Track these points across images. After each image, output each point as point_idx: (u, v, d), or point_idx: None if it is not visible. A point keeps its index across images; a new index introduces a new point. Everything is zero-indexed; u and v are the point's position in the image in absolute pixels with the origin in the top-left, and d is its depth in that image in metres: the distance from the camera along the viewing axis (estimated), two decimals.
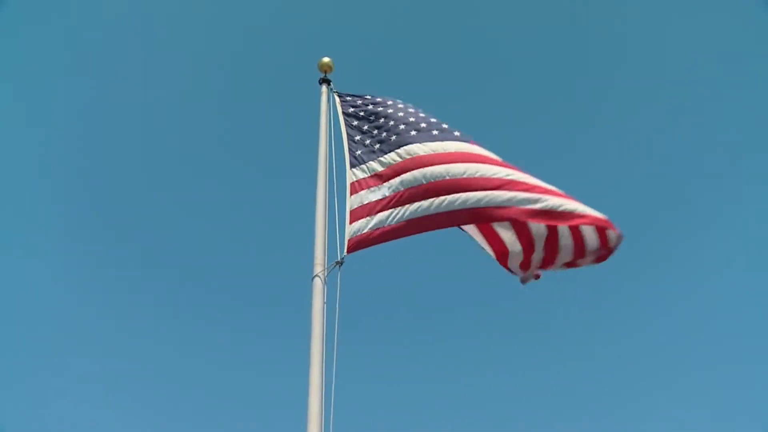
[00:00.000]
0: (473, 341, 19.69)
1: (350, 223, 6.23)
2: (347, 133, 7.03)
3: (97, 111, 20.58)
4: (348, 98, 7.47)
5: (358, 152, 6.85)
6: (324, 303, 5.82)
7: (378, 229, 6.19)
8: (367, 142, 6.91)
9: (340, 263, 5.98)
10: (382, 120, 7.03)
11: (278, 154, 22.09)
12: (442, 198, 6.12)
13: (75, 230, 19.74)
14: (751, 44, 19.26)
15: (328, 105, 7.37)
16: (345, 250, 6.03)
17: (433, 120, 6.89)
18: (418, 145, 6.55)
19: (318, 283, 5.89)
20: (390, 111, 7.09)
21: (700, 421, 16.73)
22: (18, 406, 15.55)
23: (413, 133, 6.70)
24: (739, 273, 19.40)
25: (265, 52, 22.57)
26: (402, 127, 6.81)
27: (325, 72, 7.63)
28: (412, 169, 6.38)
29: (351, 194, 6.46)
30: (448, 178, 6.19)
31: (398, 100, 7.23)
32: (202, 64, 22.43)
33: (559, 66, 23.11)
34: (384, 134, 6.86)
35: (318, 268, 6.00)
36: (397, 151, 6.61)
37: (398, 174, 6.44)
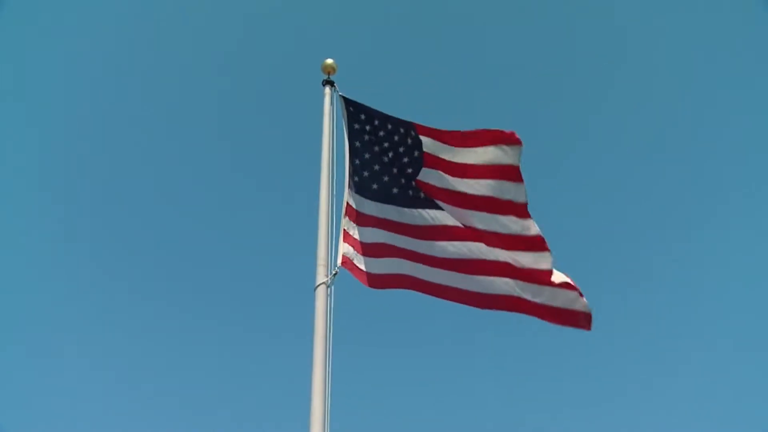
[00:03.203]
0: (474, 343, 19.70)
1: (343, 241, 6.57)
2: (350, 151, 7.09)
3: (97, 114, 20.55)
4: (352, 109, 7.37)
5: (356, 179, 7.00)
6: (327, 307, 5.83)
7: (367, 273, 6.68)
8: (365, 175, 7.09)
9: (336, 274, 6.13)
10: (377, 165, 7.19)
11: (282, 157, 22.06)
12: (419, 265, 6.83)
13: (77, 232, 19.73)
14: (751, 44, 19.26)
15: (331, 107, 7.30)
16: (339, 262, 6.34)
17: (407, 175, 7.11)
18: (395, 207, 7.02)
19: (321, 288, 5.91)
20: (384, 154, 7.21)
21: (700, 424, 16.74)
22: (18, 406, 15.55)
23: (395, 190, 7.07)
24: (740, 275, 19.41)
25: (267, 53, 22.54)
26: (386, 179, 7.12)
27: (329, 73, 7.54)
28: (387, 230, 6.94)
29: (345, 215, 6.73)
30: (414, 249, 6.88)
31: (394, 124, 7.28)
32: (203, 66, 22.40)
33: (560, 66, 23.09)
34: (375, 182, 7.11)
35: (321, 272, 6.00)
36: (384, 205, 7.03)
37: (386, 228, 6.94)
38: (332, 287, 6.00)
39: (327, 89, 7.44)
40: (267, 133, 22.51)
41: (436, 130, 6.99)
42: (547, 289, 6.51)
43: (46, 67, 19.46)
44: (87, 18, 19.65)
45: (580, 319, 6.48)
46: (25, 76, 19.02)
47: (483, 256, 6.74)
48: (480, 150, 6.68)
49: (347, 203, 6.77)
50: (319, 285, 5.92)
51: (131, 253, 20.19)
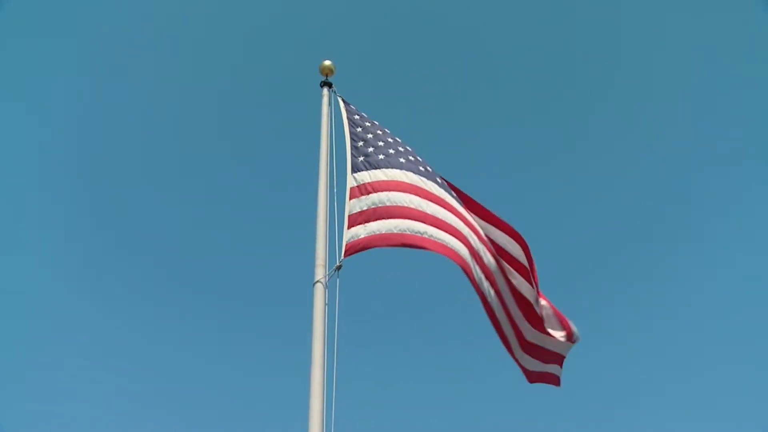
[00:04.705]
0: (473, 341, 19.72)
1: (348, 228, 6.27)
2: (351, 138, 7.03)
3: (97, 114, 20.59)
4: (352, 107, 7.48)
5: (360, 158, 6.88)
6: (325, 306, 5.83)
7: (371, 235, 6.30)
8: (369, 151, 6.98)
9: (339, 268, 6.01)
10: (381, 143, 7.16)
11: (281, 157, 22.11)
12: (429, 227, 6.52)
13: (76, 231, 19.76)
14: (751, 45, 19.29)
15: (329, 108, 7.35)
16: (342, 254, 6.06)
17: (420, 159, 7.28)
18: (404, 171, 6.89)
19: (319, 287, 5.91)
20: (389, 139, 7.27)
21: (701, 422, 16.76)
22: (18, 406, 15.58)
23: (402, 160, 7.00)
24: (741, 274, 19.43)
25: (266, 54, 22.59)
26: (391, 151, 7.07)
27: (327, 75, 7.61)
28: (399, 191, 6.66)
29: (350, 198, 6.48)
30: (429, 212, 6.64)
31: (397, 137, 7.45)
32: (204, 67, 22.44)
33: (560, 67, 23.12)
34: (382, 153, 7.01)
35: (319, 272, 6.01)
36: (385, 170, 6.85)
37: (387, 190, 6.65)
38: (336, 283, 5.97)
39: (325, 90, 7.51)
40: (266, 134, 22.57)
41: (464, 193, 7.21)
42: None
43: (46, 67, 19.53)
44: (87, 18, 19.72)
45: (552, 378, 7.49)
46: (25, 76, 19.08)
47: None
48: (498, 233, 7.07)
49: (351, 188, 6.59)
50: (316, 283, 5.93)
51: (130, 252, 20.27)
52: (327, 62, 7.63)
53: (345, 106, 7.41)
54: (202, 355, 18.95)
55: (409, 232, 6.39)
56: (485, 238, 7.02)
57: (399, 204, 6.54)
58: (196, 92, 22.01)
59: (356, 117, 7.33)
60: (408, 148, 7.28)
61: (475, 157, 22.00)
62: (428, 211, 6.60)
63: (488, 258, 6.87)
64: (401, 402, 18.33)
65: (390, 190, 6.63)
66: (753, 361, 16.95)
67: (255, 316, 20.25)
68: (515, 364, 7.36)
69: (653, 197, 21.55)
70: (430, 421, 17.38)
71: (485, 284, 6.77)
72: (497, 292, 6.91)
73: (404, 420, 17.50)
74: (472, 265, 6.59)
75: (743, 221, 19.82)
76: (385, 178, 6.72)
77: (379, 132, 7.25)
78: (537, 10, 22.76)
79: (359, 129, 7.19)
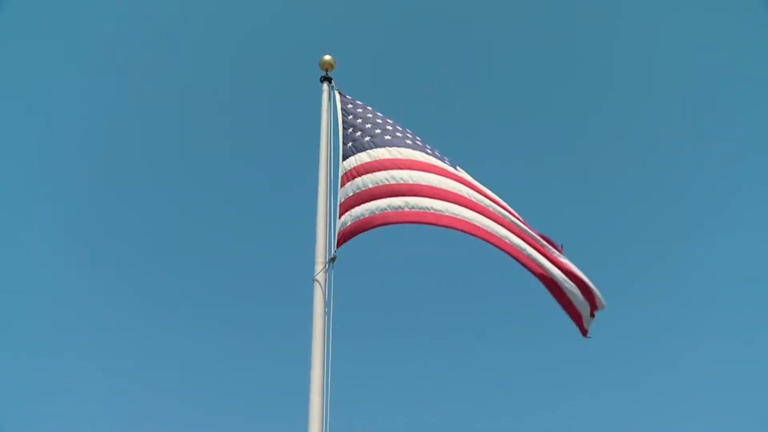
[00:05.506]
0: (474, 338, 19.71)
1: (340, 216, 6.31)
2: (342, 127, 7.07)
3: (97, 111, 20.60)
4: (347, 97, 7.50)
5: (348, 144, 6.90)
6: (325, 302, 5.82)
7: (356, 221, 6.27)
8: (356, 135, 6.98)
9: (333, 259, 6.02)
10: (368, 125, 7.14)
11: (281, 152, 22.12)
12: (411, 198, 6.42)
13: (76, 230, 19.76)
14: (751, 44, 19.29)
15: (329, 103, 7.34)
16: (335, 245, 6.09)
17: (408, 134, 7.22)
18: (387, 149, 6.84)
19: (319, 283, 5.90)
20: (378, 120, 7.23)
21: (700, 422, 16.74)
22: (18, 406, 15.56)
23: (387, 137, 6.95)
24: (741, 274, 19.41)
25: (266, 50, 22.60)
26: (378, 131, 7.03)
27: (327, 70, 7.60)
28: (381, 170, 6.61)
29: (341, 185, 6.53)
30: (411, 182, 6.53)
31: (388, 118, 7.40)
32: (204, 64, 22.45)
33: (560, 65, 23.12)
34: (368, 135, 6.98)
35: (319, 268, 6.00)
36: (369, 151, 6.79)
37: (370, 171, 6.61)
38: (331, 275, 5.96)
39: (324, 85, 7.50)
40: (266, 131, 22.57)
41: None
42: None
43: (46, 67, 19.53)
44: (87, 18, 19.73)
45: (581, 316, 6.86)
46: (25, 76, 19.09)
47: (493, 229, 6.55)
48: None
49: (341, 175, 6.61)
50: (315, 279, 5.93)
51: (129, 251, 20.24)
52: (327, 57, 7.62)
53: (341, 97, 7.42)
54: (202, 355, 18.93)
55: (390, 210, 6.33)
56: (488, 193, 6.79)
57: (380, 183, 6.51)
58: (196, 91, 22.05)
59: (349, 106, 7.36)
60: (398, 126, 7.24)
61: (474, 156, 21.96)
62: (410, 181, 6.54)
63: (497, 208, 6.61)
64: (403, 399, 18.31)
65: (372, 171, 6.60)
66: (753, 361, 16.95)
67: (255, 315, 20.23)
68: (564, 312, 6.82)
69: (653, 197, 21.55)
70: (432, 420, 17.36)
71: (501, 231, 6.41)
72: (519, 236, 6.50)
73: (407, 417, 17.48)
74: (470, 217, 6.40)
75: (743, 221, 19.82)
76: (369, 160, 6.70)
77: (369, 115, 7.24)
78: (537, 9, 22.79)
79: (350, 116, 7.22)
